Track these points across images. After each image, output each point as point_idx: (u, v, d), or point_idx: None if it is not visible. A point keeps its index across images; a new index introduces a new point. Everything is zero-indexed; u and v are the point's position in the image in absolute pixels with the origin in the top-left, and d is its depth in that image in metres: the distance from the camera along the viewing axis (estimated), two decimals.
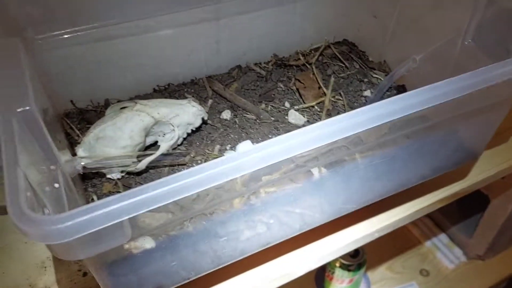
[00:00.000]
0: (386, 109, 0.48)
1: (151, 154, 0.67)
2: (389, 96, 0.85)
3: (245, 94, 0.85)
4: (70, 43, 0.71)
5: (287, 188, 0.56)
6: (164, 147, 0.68)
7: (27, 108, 0.45)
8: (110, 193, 0.66)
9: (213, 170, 0.41)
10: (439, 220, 1.43)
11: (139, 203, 0.38)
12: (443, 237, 1.42)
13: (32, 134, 0.47)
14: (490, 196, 1.14)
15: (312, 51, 0.95)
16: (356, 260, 1.11)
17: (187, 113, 0.72)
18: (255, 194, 0.53)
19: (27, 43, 0.68)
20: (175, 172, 0.69)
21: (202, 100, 0.83)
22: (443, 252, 1.39)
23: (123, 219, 0.38)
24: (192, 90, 0.84)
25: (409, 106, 0.49)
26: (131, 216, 0.38)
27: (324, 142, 0.45)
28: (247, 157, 0.42)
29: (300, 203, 0.59)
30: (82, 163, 0.62)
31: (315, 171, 0.57)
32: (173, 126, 0.70)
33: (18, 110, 0.45)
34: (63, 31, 0.70)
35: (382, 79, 0.88)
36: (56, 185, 0.48)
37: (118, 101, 0.81)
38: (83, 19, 0.70)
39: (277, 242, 0.62)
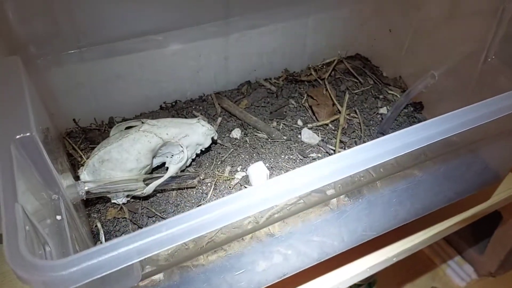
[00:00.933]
0: (415, 136, 0.44)
1: (159, 178, 0.63)
2: (406, 114, 0.81)
3: (255, 111, 0.81)
4: (73, 59, 0.68)
5: (305, 216, 0.52)
6: (172, 170, 0.64)
7: (27, 134, 0.41)
8: (115, 219, 0.62)
9: (232, 205, 0.36)
10: (450, 237, 1.38)
11: (152, 244, 0.34)
12: (453, 254, 1.38)
13: (32, 162, 0.43)
14: (502, 213, 1.10)
15: (324, 66, 0.91)
16: (367, 279, 1.07)
17: (196, 133, 0.68)
18: (271, 223, 0.49)
19: (29, 59, 0.64)
20: (183, 196, 0.65)
21: (210, 118, 0.79)
22: (454, 269, 1.35)
23: (134, 261, 0.34)
24: (201, 108, 0.81)
25: (438, 133, 0.45)
26: (143, 258, 0.34)
27: (352, 172, 0.41)
28: (268, 191, 0.38)
29: (320, 231, 0.55)
30: (86, 188, 0.58)
31: (335, 198, 0.53)
32: (182, 147, 0.66)
33: (17, 136, 0.41)
34: (66, 48, 0.66)
35: (398, 95, 0.85)
36: (58, 217, 0.44)
37: (123, 120, 0.77)
38: (87, 36, 0.67)
39: (295, 272, 0.58)
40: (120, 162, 0.62)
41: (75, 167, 0.68)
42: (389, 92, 0.85)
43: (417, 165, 0.56)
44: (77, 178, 0.64)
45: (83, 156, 0.69)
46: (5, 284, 0.61)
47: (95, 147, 0.69)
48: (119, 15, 0.66)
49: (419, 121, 0.79)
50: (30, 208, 0.40)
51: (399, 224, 0.64)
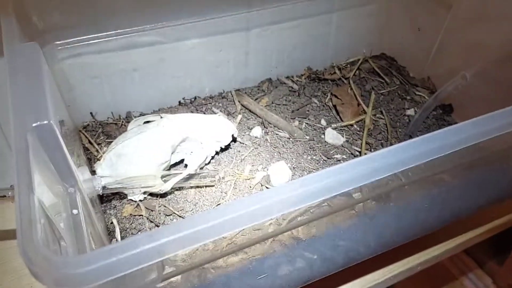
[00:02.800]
0: (447, 139, 0.41)
1: (177, 175, 0.61)
2: (434, 116, 0.78)
3: (276, 109, 0.79)
4: (92, 50, 0.66)
5: (332, 220, 0.49)
6: (191, 167, 0.62)
7: (45, 122, 0.39)
8: (131, 216, 0.60)
9: (257, 205, 0.34)
10: (469, 248, 1.34)
11: (175, 243, 0.31)
12: (472, 265, 1.34)
13: (48, 152, 0.41)
14: None
15: (349, 65, 0.88)
16: None
17: (216, 130, 0.65)
18: (294, 227, 0.46)
19: (47, 50, 0.62)
20: (202, 194, 0.63)
21: (230, 115, 0.76)
22: (472, 280, 1.31)
23: (156, 261, 0.31)
24: (220, 104, 0.78)
25: (471, 137, 0.42)
26: (165, 258, 0.31)
27: (381, 176, 0.38)
28: (294, 191, 0.35)
29: (346, 236, 0.52)
30: (103, 183, 0.56)
31: (361, 203, 0.49)
32: (201, 143, 0.64)
33: (34, 124, 0.38)
34: (85, 37, 0.64)
35: (426, 97, 0.81)
36: (75, 212, 0.42)
37: (141, 115, 0.75)
38: (107, 25, 0.64)
39: (318, 278, 0.55)
40: (137, 157, 0.59)
41: (91, 161, 0.66)
42: (417, 93, 0.82)
43: (448, 170, 0.53)
44: (93, 172, 0.62)
45: (99, 151, 0.67)
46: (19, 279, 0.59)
47: (111, 141, 0.67)
48: (139, 4, 0.64)
49: (449, 124, 0.76)
50: (46, 200, 0.37)
51: (427, 231, 0.61)
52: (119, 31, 0.66)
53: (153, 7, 0.66)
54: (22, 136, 0.38)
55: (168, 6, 0.67)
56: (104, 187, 0.57)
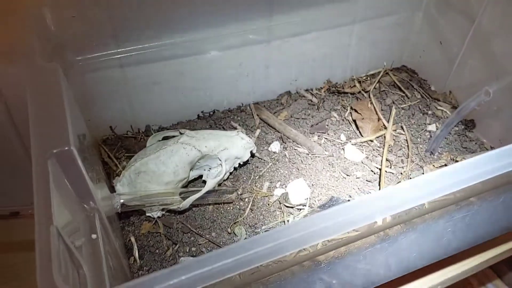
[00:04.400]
0: (480, 168, 0.40)
1: (196, 192, 0.61)
2: (456, 132, 0.76)
3: (295, 123, 0.78)
4: (111, 65, 0.66)
5: (353, 244, 0.48)
6: (210, 184, 0.61)
7: (65, 148, 0.39)
8: (149, 234, 0.60)
9: (284, 239, 0.33)
10: None
11: (196, 279, 0.31)
12: (492, 276, 1.30)
13: (68, 176, 0.41)
14: None
15: (369, 78, 0.87)
16: None
17: (235, 147, 0.65)
18: (320, 254, 0.46)
19: (67, 64, 0.63)
20: (220, 211, 0.63)
21: (249, 129, 0.76)
22: None
23: None
24: (239, 118, 0.78)
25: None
26: None
27: (409, 206, 0.37)
28: (329, 221, 0.34)
29: (367, 260, 0.51)
30: (121, 201, 0.56)
31: (385, 229, 0.48)
32: (220, 160, 0.63)
33: (55, 151, 0.38)
34: (105, 53, 0.64)
35: (448, 112, 0.80)
36: (94, 236, 0.42)
37: (160, 128, 0.75)
38: (126, 40, 0.65)
39: None
40: (157, 174, 0.59)
41: (110, 176, 0.67)
42: (438, 108, 0.80)
43: (475, 195, 0.52)
44: (112, 187, 0.62)
45: (118, 165, 0.67)
46: None
47: (130, 156, 0.68)
48: (158, 19, 0.64)
49: (471, 140, 0.74)
50: (64, 223, 0.37)
51: (450, 254, 0.59)
52: (138, 46, 0.66)
53: (173, 21, 0.66)
54: (43, 163, 0.38)
55: (188, 20, 0.67)
56: (123, 205, 0.57)
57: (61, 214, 0.38)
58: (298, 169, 0.69)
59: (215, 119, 0.77)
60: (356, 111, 0.78)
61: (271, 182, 0.67)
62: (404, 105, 0.81)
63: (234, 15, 0.69)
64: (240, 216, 0.62)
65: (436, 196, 0.38)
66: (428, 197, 0.38)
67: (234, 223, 0.61)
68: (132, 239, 0.59)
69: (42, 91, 0.45)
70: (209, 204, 0.63)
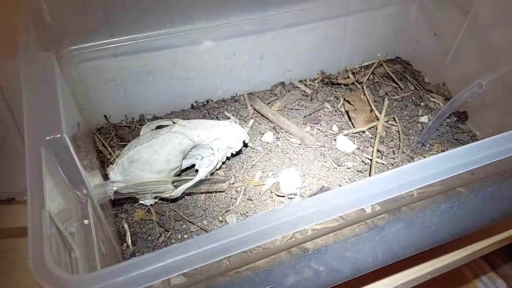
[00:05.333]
0: (466, 157, 0.41)
1: (188, 180, 0.61)
2: (448, 124, 0.77)
3: (289, 114, 0.78)
4: (106, 54, 0.66)
5: (340, 232, 0.49)
6: (202, 173, 0.62)
7: (58, 136, 0.40)
8: (142, 221, 0.61)
9: (268, 225, 0.34)
10: None
11: (182, 262, 0.32)
12: (487, 269, 1.32)
13: (61, 163, 0.42)
14: None
15: (363, 69, 0.88)
16: None
17: (228, 136, 0.66)
18: (305, 241, 0.47)
19: (62, 53, 0.63)
20: (212, 200, 0.64)
21: (242, 119, 0.77)
22: (486, 284, 1.29)
23: (163, 279, 0.32)
24: (232, 108, 0.78)
25: (493, 154, 0.41)
26: (173, 275, 0.32)
27: (397, 194, 0.38)
28: (310, 209, 0.35)
29: (354, 248, 0.52)
30: (115, 188, 0.57)
31: (373, 217, 0.49)
32: (212, 149, 0.64)
33: (47, 138, 0.39)
34: (100, 42, 0.65)
35: (441, 103, 0.80)
36: (86, 222, 0.43)
37: (154, 118, 0.75)
38: (120, 30, 0.65)
39: None
40: (149, 163, 0.60)
41: (104, 164, 0.67)
42: (431, 99, 0.81)
43: (464, 185, 0.53)
44: (105, 175, 0.63)
45: (112, 154, 0.68)
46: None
47: (125, 144, 0.68)
48: (152, 9, 0.65)
49: (463, 132, 0.75)
50: (56, 209, 0.38)
51: (438, 244, 0.61)
52: (133, 36, 0.66)
53: (168, 11, 0.66)
54: (35, 149, 0.39)
55: (182, 11, 0.67)
56: (116, 192, 0.58)
57: (53, 200, 0.39)
58: (290, 159, 0.70)
59: (209, 109, 0.77)
60: (349, 102, 0.79)
61: (263, 171, 0.68)
62: (397, 97, 0.81)
63: (228, 6, 0.70)
64: (232, 205, 0.63)
65: (422, 184, 0.39)
66: (414, 185, 0.39)
67: (226, 211, 0.62)
68: (125, 225, 0.60)
69: (36, 80, 0.45)
70: (201, 193, 0.64)
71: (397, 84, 0.84)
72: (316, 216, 0.36)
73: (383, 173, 0.38)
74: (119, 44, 0.66)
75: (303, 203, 0.36)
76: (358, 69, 0.87)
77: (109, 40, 0.65)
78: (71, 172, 0.43)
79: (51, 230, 0.34)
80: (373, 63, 0.88)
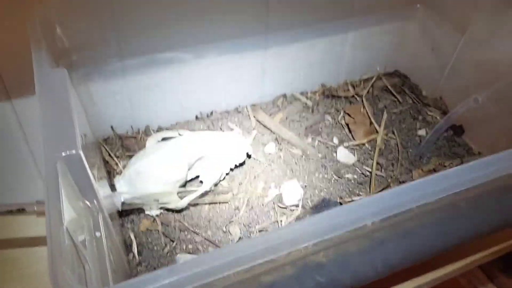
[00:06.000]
0: (464, 177, 0.43)
1: (193, 192, 0.63)
2: (445, 138, 0.79)
3: (290, 125, 0.80)
4: (114, 68, 0.68)
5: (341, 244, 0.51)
6: (207, 185, 0.64)
7: (73, 152, 0.41)
8: (148, 231, 0.63)
9: (270, 243, 0.36)
10: None
11: (191, 277, 0.34)
12: (484, 279, 1.34)
13: (75, 178, 0.43)
14: None
15: (362, 82, 0.90)
16: None
17: (232, 148, 0.67)
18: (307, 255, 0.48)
19: (71, 66, 0.65)
20: (216, 211, 0.65)
21: (245, 130, 0.79)
22: None
23: None
24: (236, 119, 0.80)
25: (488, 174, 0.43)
26: None
27: (398, 211, 0.40)
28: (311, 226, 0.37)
29: (354, 260, 0.54)
30: (122, 199, 0.59)
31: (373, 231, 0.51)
32: (217, 161, 0.66)
33: (64, 154, 0.41)
34: (108, 56, 0.66)
35: (438, 117, 0.83)
36: (98, 234, 0.44)
37: (159, 128, 0.77)
38: (129, 45, 0.66)
39: None
40: (155, 174, 0.62)
41: (110, 174, 0.69)
42: (429, 113, 0.83)
43: (463, 198, 0.55)
44: (112, 186, 0.65)
45: (119, 164, 0.70)
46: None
47: (131, 155, 0.70)
48: (160, 27, 0.66)
49: (459, 146, 0.77)
50: (71, 222, 0.40)
51: (437, 254, 0.62)
52: (141, 50, 0.68)
53: (174, 30, 0.68)
54: (52, 165, 0.40)
55: (188, 30, 0.68)
56: (123, 203, 0.59)
57: (68, 213, 0.41)
58: (292, 170, 0.72)
59: (213, 120, 0.79)
60: (349, 115, 0.81)
61: (265, 182, 0.70)
62: (395, 110, 0.83)
63: (232, 25, 0.71)
64: (235, 216, 0.65)
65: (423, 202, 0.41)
66: (417, 202, 0.41)
67: (229, 222, 0.64)
68: (132, 236, 0.61)
69: (51, 96, 0.47)
70: (206, 204, 0.66)
71: (396, 97, 0.86)
72: (318, 233, 0.38)
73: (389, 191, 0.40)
74: (127, 59, 0.67)
75: (308, 220, 0.38)
76: (357, 82, 0.89)
77: (117, 55, 0.67)
78: (85, 186, 0.45)
79: (69, 246, 0.36)
80: (372, 77, 0.90)
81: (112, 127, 0.75)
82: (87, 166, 0.44)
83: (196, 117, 0.80)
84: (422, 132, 0.80)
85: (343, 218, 0.39)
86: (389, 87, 0.88)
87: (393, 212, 0.40)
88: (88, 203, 0.46)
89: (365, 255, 0.53)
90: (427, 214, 0.53)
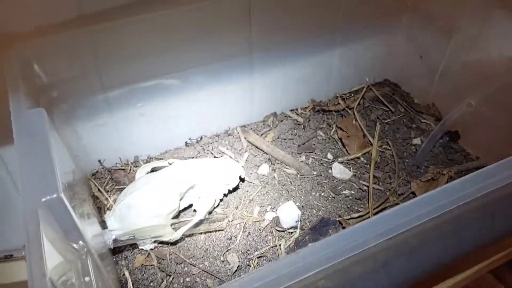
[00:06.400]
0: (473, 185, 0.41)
1: (187, 222, 0.61)
2: (441, 144, 0.77)
3: (283, 144, 0.79)
4: (97, 99, 0.66)
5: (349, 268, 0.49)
6: (200, 214, 0.62)
7: (54, 196, 0.39)
8: (143, 267, 0.60)
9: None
10: None
11: None
12: (493, 281, 1.31)
13: (59, 222, 0.41)
14: None
15: (352, 94, 0.88)
16: None
17: (224, 173, 0.66)
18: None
19: (52, 103, 0.63)
20: (212, 239, 0.63)
21: (237, 153, 0.77)
22: None
23: None
24: (227, 142, 0.79)
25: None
26: None
27: (404, 229, 0.39)
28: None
29: (359, 283, 0.52)
30: (113, 236, 0.57)
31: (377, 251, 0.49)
32: (209, 188, 0.64)
33: (44, 199, 0.39)
34: (90, 90, 0.65)
35: (432, 124, 0.81)
36: (87, 279, 0.42)
37: (148, 158, 0.75)
38: (111, 77, 0.65)
39: None
40: (147, 207, 0.60)
41: (101, 210, 0.67)
42: (422, 121, 0.82)
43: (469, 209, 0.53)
44: (103, 222, 0.63)
45: (109, 199, 0.67)
46: None
47: (121, 188, 0.68)
48: (141, 55, 0.65)
49: (456, 152, 0.76)
50: (56, 270, 0.38)
51: (443, 266, 0.60)
52: (124, 81, 0.66)
53: (156, 57, 0.66)
54: (33, 212, 0.38)
55: (170, 56, 0.67)
56: (115, 240, 0.57)
57: (53, 261, 0.38)
58: (287, 191, 0.70)
59: (203, 145, 0.77)
60: (341, 129, 0.79)
61: (261, 206, 0.68)
62: (388, 120, 0.82)
63: (215, 48, 0.70)
64: (232, 243, 0.63)
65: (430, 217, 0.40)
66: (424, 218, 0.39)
67: (227, 250, 0.62)
68: (126, 273, 0.59)
69: (29, 140, 0.45)
70: (201, 233, 0.64)
71: (388, 107, 0.85)
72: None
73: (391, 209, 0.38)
74: (110, 91, 0.66)
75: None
76: (347, 94, 0.88)
77: (100, 86, 0.65)
78: (70, 229, 0.42)
79: None
80: (362, 88, 0.89)
81: (100, 160, 0.73)
82: (70, 208, 0.42)
83: (186, 144, 0.78)
84: (417, 140, 0.78)
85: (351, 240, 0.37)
86: (380, 97, 0.87)
87: (400, 230, 0.38)
88: (75, 246, 0.44)
89: (370, 277, 0.51)
90: (433, 228, 0.51)
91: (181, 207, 0.66)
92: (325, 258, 0.37)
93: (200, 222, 0.63)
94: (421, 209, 0.40)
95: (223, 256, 0.61)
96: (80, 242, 0.44)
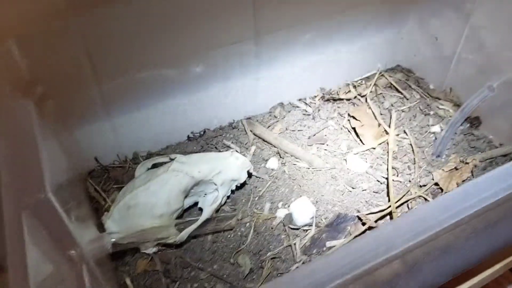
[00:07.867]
0: None
1: (193, 222, 0.56)
2: (462, 131, 0.72)
3: (291, 136, 0.73)
4: (91, 94, 0.61)
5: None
6: (207, 212, 0.57)
7: (41, 196, 0.34)
8: (146, 272, 0.55)
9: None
10: None
11: None
12: (508, 274, 1.27)
13: (48, 227, 0.36)
14: None
15: (364, 81, 0.83)
16: None
17: (231, 168, 0.60)
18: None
19: (43, 100, 0.57)
20: (220, 240, 0.58)
21: (243, 147, 0.72)
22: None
23: None
24: (231, 136, 0.73)
25: None
26: None
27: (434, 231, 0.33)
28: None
29: (387, 285, 0.47)
30: (112, 240, 0.51)
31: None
32: (215, 184, 0.59)
33: (29, 200, 0.34)
34: (83, 82, 0.59)
35: (451, 110, 0.76)
36: None
37: (148, 154, 0.70)
38: (105, 68, 0.59)
39: None
40: (148, 207, 0.55)
41: (98, 211, 0.62)
42: (440, 107, 0.76)
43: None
44: (100, 225, 0.57)
45: (107, 199, 0.62)
46: None
47: (119, 187, 0.63)
48: (138, 46, 0.59)
49: (478, 139, 0.71)
50: (46, 281, 0.33)
51: (471, 267, 0.55)
52: (120, 70, 0.61)
53: (154, 44, 0.61)
54: (15, 216, 0.33)
55: (169, 42, 0.62)
56: (114, 244, 0.52)
57: (41, 272, 0.33)
58: (299, 186, 0.65)
59: (206, 139, 0.72)
60: (354, 118, 0.74)
61: (272, 202, 0.63)
62: (404, 107, 0.77)
63: (219, 32, 0.65)
64: (243, 244, 0.58)
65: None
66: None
67: (237, 252, 0.57)
68: (128, 281, 0.54)
69: (12, 134, 0.40)
70: (208, 234, 0.58)
71: (402, 94, 0.79)
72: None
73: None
74: (104, 83, 0.60)
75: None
76: (359, 81, 0.83)
77: (94, 79, 0.60)
78: (61, 235, 0.38)
79: None
80: (374, 74, 0.83)
81: (96, 158, 0.67)
82: (61, 211, 0.36)
83: (188, 138, 0.73)
84: (436, 128, 0.73)
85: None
86: (393, 83, 0.81)
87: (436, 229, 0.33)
88: (68, 254, 0.39)
89: (398, 279, 0.46)
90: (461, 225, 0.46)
91: (186, 206, 0.60)
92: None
93: (207, 221, 0.58)
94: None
95: (233, 258, 0.56)
96: (73, 249, 0.39)
